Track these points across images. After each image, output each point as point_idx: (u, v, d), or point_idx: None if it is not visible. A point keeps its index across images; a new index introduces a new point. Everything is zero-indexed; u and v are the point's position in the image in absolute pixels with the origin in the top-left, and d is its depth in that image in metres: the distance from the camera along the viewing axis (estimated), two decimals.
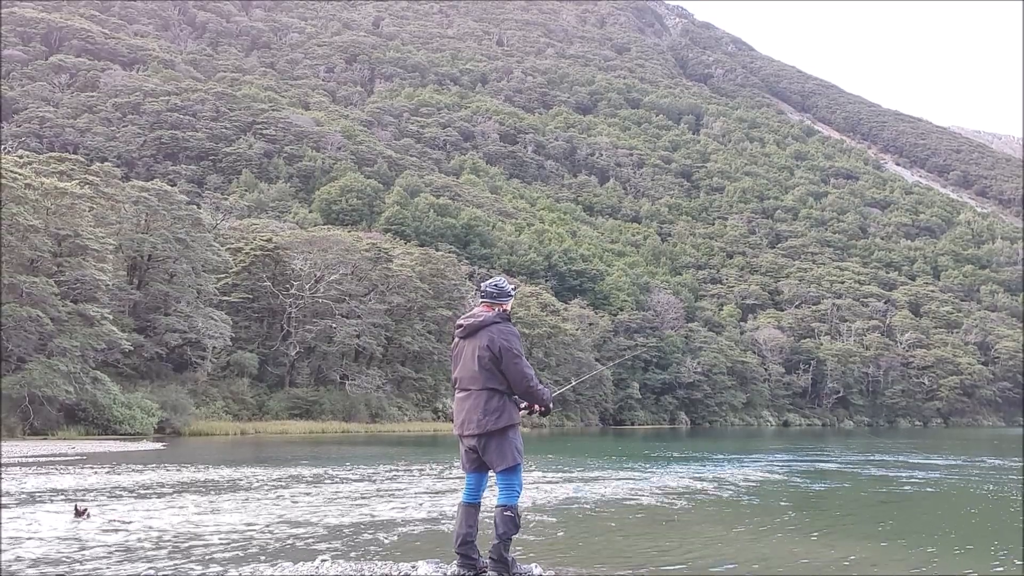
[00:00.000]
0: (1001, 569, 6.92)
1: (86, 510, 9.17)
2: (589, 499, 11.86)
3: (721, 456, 25.37)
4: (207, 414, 41.26)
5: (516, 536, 5.86)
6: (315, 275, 53.46)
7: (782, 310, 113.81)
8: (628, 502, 11.64)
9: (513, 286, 6.03)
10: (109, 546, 7.33)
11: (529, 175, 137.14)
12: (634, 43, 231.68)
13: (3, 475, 14.59)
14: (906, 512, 11.57)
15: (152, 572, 6.24)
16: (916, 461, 23.30)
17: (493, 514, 5.59)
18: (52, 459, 19.98)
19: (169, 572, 6.24)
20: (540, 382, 5.81)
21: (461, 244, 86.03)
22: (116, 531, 8.16)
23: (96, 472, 15.91)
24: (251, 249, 53.24)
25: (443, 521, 9.12)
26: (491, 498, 5.90)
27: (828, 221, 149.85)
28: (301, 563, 6.32)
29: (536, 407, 5.80)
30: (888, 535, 8.84)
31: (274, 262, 53.13)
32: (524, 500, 11.25)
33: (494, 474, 5.64)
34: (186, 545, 7.42)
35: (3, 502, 10.41)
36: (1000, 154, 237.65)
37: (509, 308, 5.88)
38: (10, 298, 31.96)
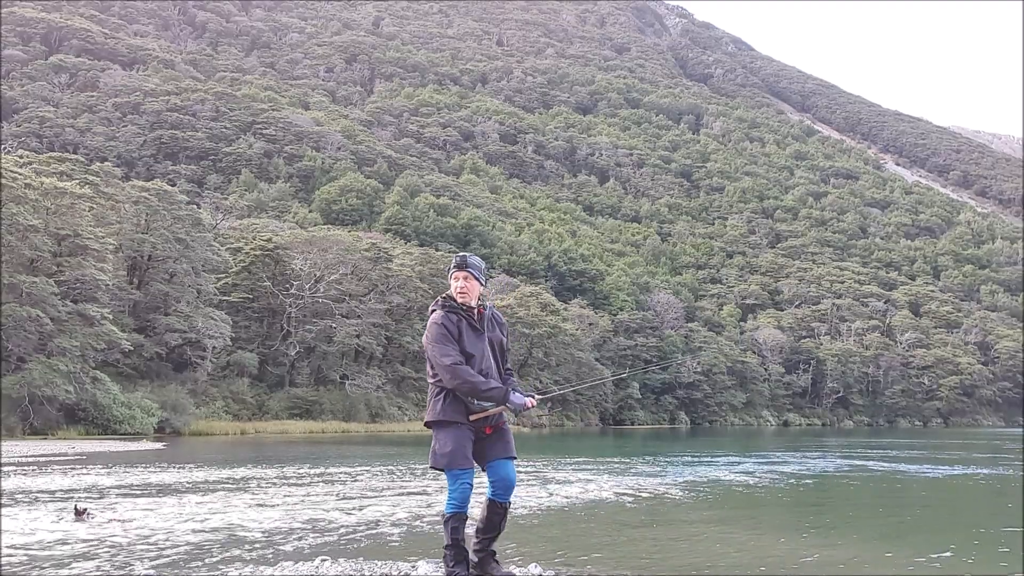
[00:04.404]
0: (1005, 566, 6.92)
1: (86, 510, 9.16)
2: (589, 499, 11.85)
3: (721, 455, 25.37)
4: (207, 414, 41.26)
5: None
6: (315, 275, 53.45)
7: (782, 310, 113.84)
8: (628, 501, 11.64)
9: (451, 265, 5.33)
10: (109, 546, 7.33)
11: (529, 175, 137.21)
12: (634, 43, 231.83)
13: (3, 475, 14.59)
14: (908, 511, 11.56)
15: (152, 572, 6.24)
16: (918, 460, 23.29)
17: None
18: (52, 459, 19.98)
19: (169, 572, 6.24)
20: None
21: (461, 244, 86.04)
22: (116, 531, 8.16)
23: (96, 472, 15.91)
24: (251, 249, 53.24)
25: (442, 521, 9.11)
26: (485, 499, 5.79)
27: (828, 221, 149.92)
28: (301, 563, 6.32)
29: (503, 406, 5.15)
30: (890, 534, 8.84)
31: (274, 262, 53.11)
32: (524, 500, 11.24)
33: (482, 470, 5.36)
34: (186, 545, 7.41)
35: (3, 502, 10.40)
36: (1000, 154, 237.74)
37: (450, 289, 5.33)
38: (10, 298, 31.95)
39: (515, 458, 5.33)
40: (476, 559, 5.30)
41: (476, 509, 5.43)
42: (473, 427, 5.18)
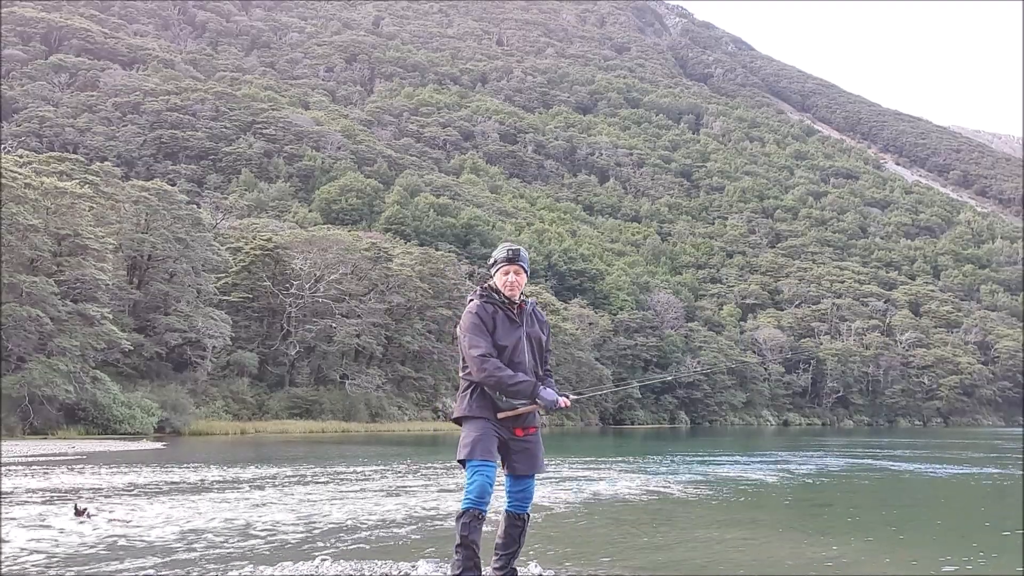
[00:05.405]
0: (1005, 566, 6.92)
1: (86, 510, 9.16)
2: (589, 498, 11.85)
3: (722, 455, 25.37)
4: (207, 414, 41.25)
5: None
6: (315, 275, 53.45)
7: (782, 310, 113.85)
8: (628, 501, 11.64)
9: (499, 256, 5.11)
10: (109, 546, 7.33)
11: (529, 175, 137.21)
12: (634, 43, 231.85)
13: (3, 475, 14.58)
14: (909, 511, 11.56)
15: (152, 572, 6.23)
16: (919, 459, 23.30)
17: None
18: (52, 459, 19.98)
19: (169, 572, 6.23)
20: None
21: (461, 244, 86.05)
22: (116, 531, 8.15)
23: (96, 472, 15.91)
24: (251, 249, 53.25)
25: (443, 521, 9.12)
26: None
27: (828, 221, 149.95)
28: (301, 563, 6.31)
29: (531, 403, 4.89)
30: (892, 534, 8.83)
31: (274, 261, 53.12)
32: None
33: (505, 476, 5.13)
34: (186, 545, 7.41)
35: (3, 502, 10.40)
36: (1000, 154, 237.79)
37: (493, 281, 5.13)
38: (10, 298, 31.95)
39: (534, 474, 5.03)
40: None
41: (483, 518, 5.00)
42: (501, 425, 4.91)
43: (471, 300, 5.07)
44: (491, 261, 5.15)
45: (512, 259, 5.04)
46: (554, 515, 9.92)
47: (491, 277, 5.15)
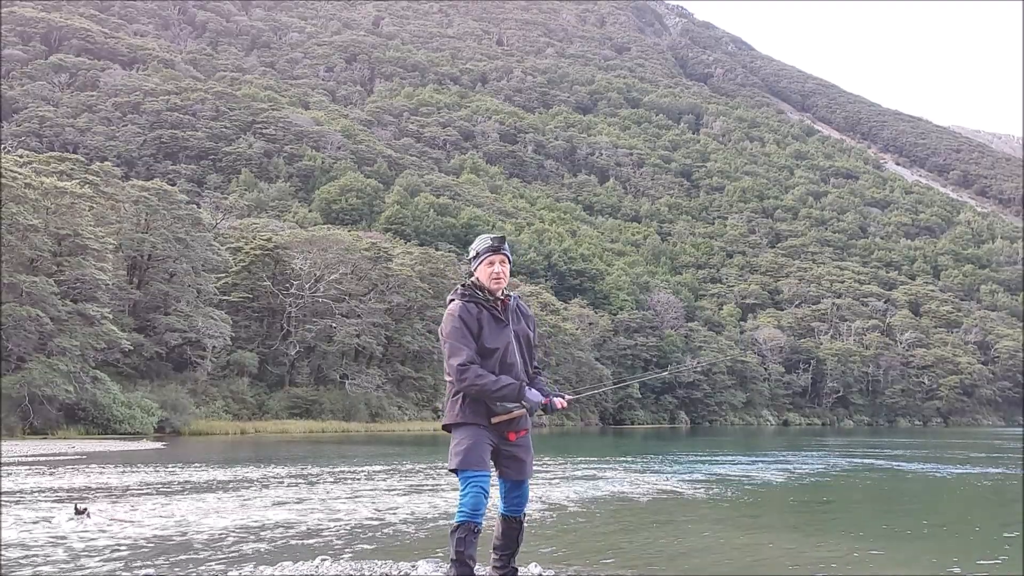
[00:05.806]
0: (1006, 566, 6.91)
1: (86, 510, 9.15)
2: (589, 498, 11.84)
3: (722, 455, 25.36)
4: (207, 413, 41.25)
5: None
6: (315, 275, 53.43)
7: (782, 309, 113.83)
8: (628, 501, 11.63)
9: (480, 248, 4.83)
10: (109, 546, 7.32)
11: (529, 175, 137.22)
12: (634, 43, 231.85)
13: (3, 475, 14.57)
14: (907, 510, 11.55)
15: (152, 572, 6.22)
16: (919, 459, 23.29)
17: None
18: (52, 459, 19.97)
19: (169, 572, 6.22)
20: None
21: (461, 244, 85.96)
22: (116, 531, 8.14)
23: (96, 472, 15.90)
24: (251, 249, 53.23)
25: (443, 520, 9.11)
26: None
27: (828, 220, 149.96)
28: (301, 563, 6.30)
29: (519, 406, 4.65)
30: (894, 534, 8.83)
31: (274, 261, 53.11)
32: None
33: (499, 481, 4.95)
34: (186, 545, 7.40)
35: (3, 502, 10.39)
36: (1000, 154, 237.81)
37: (475, 276, 4.81)
38: (10, 298, 31.94)
39: (527, 479, 4.85)
40: None
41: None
42: (495, 431, 4.67)
43: (451, 300, 4.76)
44: (472, 255, 4.84)
45: (497, 248, 4.77)
46: (555, 515, 9.91)
47: (472, 274, 4.85)
